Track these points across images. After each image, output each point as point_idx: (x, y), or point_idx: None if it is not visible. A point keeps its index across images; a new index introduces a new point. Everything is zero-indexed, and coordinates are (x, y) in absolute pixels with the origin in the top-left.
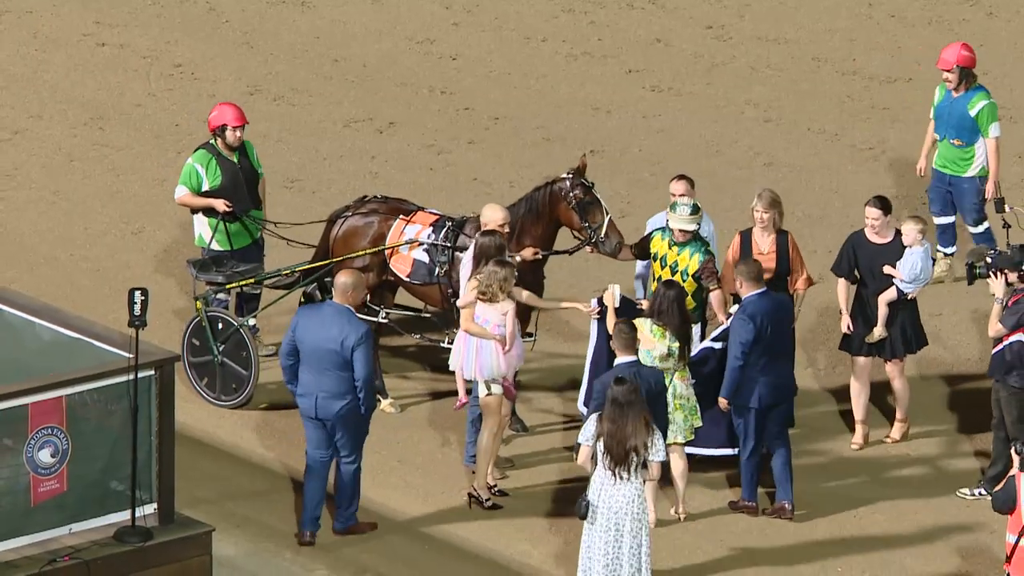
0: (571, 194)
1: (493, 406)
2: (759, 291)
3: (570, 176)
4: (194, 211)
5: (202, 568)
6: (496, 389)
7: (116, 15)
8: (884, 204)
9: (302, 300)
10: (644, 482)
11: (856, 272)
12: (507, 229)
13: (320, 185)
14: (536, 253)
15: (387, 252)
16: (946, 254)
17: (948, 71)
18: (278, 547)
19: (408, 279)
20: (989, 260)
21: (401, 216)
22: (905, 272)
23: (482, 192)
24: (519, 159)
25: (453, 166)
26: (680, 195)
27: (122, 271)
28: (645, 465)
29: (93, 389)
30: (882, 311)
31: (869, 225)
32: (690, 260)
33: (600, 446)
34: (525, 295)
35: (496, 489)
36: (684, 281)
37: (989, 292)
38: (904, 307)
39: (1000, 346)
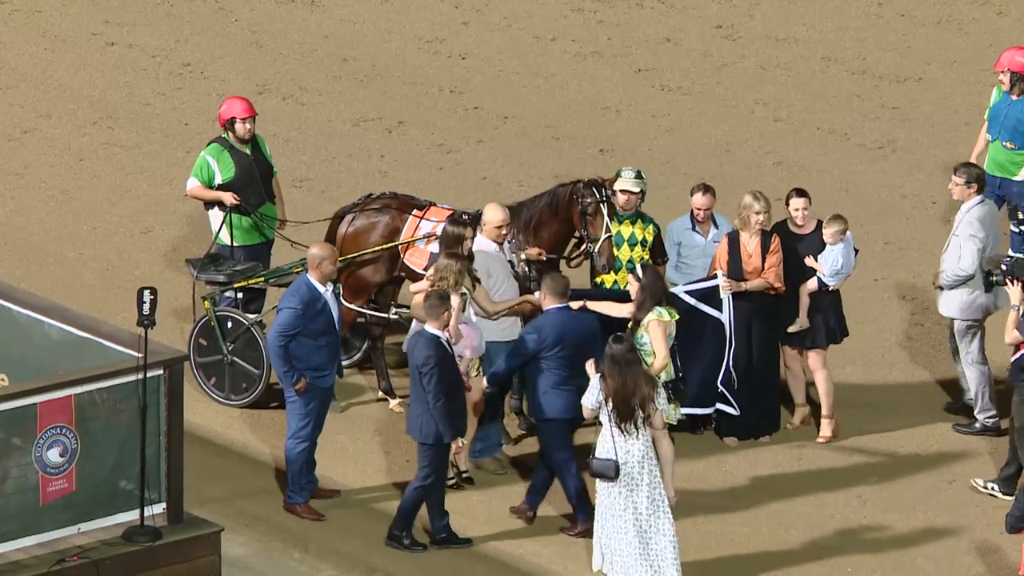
0: (583, 200)
1: None
2: (559, 306)
3: (591, 182)
4: (207, 206)
5: (211, 568)
6: None
7: (125, 14)
8: (807, 193)
9: None
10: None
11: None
12: (505, 231)
13: (329, 184)
14: (540, 254)
15: (402, 247)
16: None
17: (1001, 72)
18: (287, 547)
19: (424, 272)
20: (1004, 267)
21: (415, 211)
22: (827, 267)
23: (491, 191)
24: (528, 158)
25: (462, 165)
26: (704, 208)
27: (131, 270)
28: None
29: (102, 388)
30: (803, 301)
31: (798, 216)
32: (645, 230)
33: (608, 405)
34: (480, 293)
35: (465, 474)
36: (644, 250)
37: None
38: (827, 297)
39: (1020, 353)
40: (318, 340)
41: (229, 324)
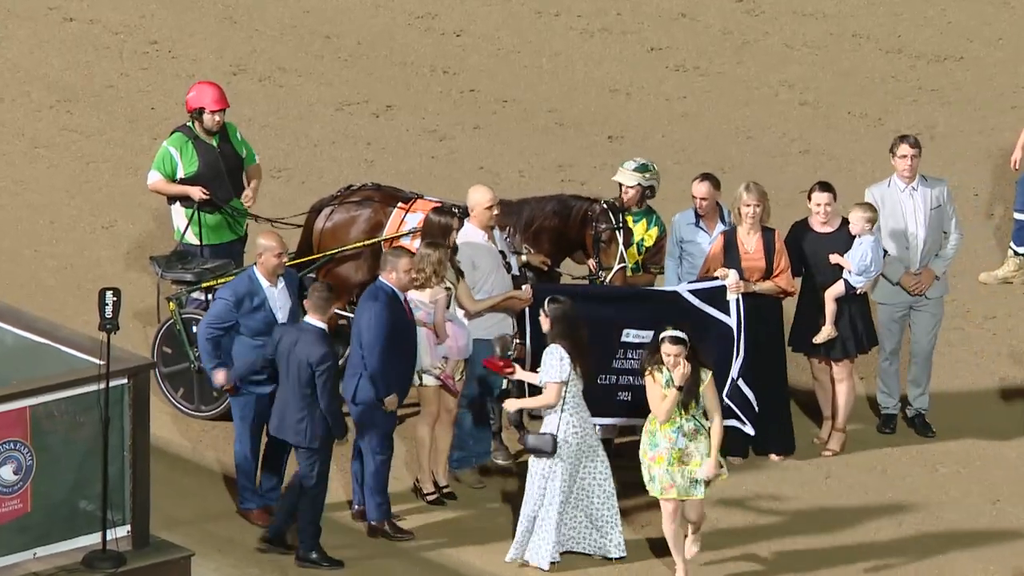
0: (596, 226)
1: (427, 397)
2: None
3: (606, 206)
4: (170, 200)
5: None
6: (429, 380)
7: None
8: (832, 188)
9: None
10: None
11: (801, 265)
12: (497, 212)
13: (310, 174)
14: (544, 262)
15: (385, 243)
16: (1017, 252)
17: None
18: (263, 572)
19: None
20: None
21: (400, 204)
22: (855, 263)
23: (489, 182)
24: (529, 146)
25: (456, 153)
26: (701, 198)
27: (92, 269)
28: None
29: (60, 399)
30: (829, 307)
31: (820, 211)
32: (647, 232)
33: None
34: (462, 289)
35: (446, 489)
36: (640, 254)
37: None
38: (854, 302)
39: None
40: (255, 339)
41: (195, 328)
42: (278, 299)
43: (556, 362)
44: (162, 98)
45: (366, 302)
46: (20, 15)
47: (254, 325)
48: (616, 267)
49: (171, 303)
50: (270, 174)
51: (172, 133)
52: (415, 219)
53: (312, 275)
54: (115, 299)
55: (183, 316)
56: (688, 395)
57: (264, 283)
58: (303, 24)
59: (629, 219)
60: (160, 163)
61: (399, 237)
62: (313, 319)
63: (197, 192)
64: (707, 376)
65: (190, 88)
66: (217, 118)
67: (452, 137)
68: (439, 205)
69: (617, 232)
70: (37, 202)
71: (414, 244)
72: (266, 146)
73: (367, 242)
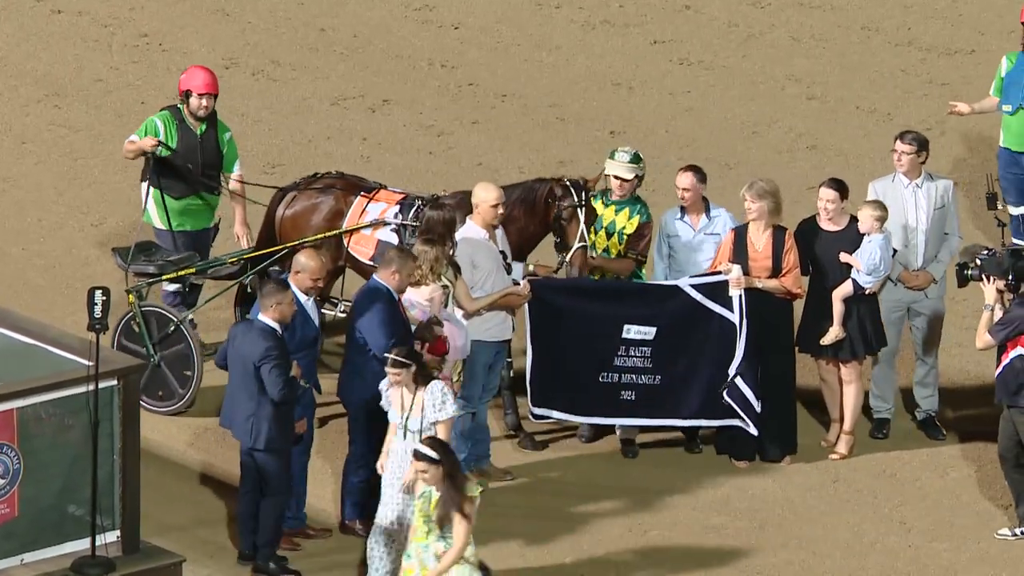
0: (559, 203)
1: None
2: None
3: (569, 184)
4: (142, 178)
5: None
6: None
7: None
8: (840, 186)
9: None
10: None
11: (809, 264)
12: (502, 210)
13: (304, 170)
14: (548, 269)
15: (346, 235)
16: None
17: None
18: None
19: (371, 262)
20: (979, 262)
21: (362, 193)
22: (864, 262)
23: (487, 179)
24: (529, 142)
25: (454, 149)
26: (684, 188)
27: (80, 268)
28: None
29: (48, 401)
30: (837, 308)
31: (823, 208)
32: (628, 221)
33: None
34: (459, 288)
35: None
36: (620, 244)
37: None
38: (862, 302)
39: (1001, 366)
40: (293, 355)
41: (155, 321)
42: (312, 313)
43: (446, 397)
44: (152, 92)
45: (366, 303)
46: (7, 7)
47: (298, 341)
48: (576, 246)
49: (130, 295)
50: (264, 171)
51: (163, 108)
52: (377, 209)
53: (276, 267)
54: (104, 299)
55: (143, 309)
56: (443, 515)
57: (302, 297)
58: (297, 16)
59: (611, 208)
60: (143, 130)
61: (360, 228)
62: (263, 316)
63: (149, 141)
64: (472, 494)
65: (185, 70)
66: (204, 102)
67: (450, 132)
68: (436, 200)
69: (579, 210)
70: (24, 199)
71: (376, 235)
72: (259, 142)
73: (331, 232)
